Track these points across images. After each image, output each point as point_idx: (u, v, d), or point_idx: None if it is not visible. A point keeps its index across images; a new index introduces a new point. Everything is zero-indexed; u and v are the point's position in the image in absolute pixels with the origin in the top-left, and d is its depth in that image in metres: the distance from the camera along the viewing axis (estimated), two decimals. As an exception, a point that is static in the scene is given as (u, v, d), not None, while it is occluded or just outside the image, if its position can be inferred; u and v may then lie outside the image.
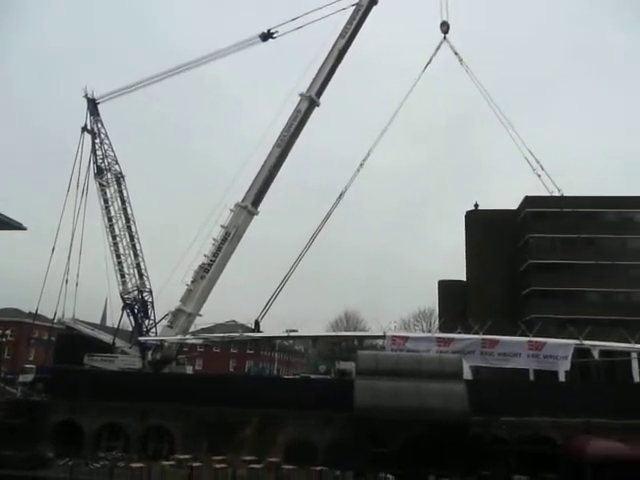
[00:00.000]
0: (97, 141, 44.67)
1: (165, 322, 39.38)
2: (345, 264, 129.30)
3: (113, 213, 43.97)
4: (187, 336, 37.01)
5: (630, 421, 25.03)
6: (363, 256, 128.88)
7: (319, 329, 43.66)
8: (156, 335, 40.46)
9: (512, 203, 65.35)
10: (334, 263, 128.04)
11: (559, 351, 30.48)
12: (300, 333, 38.68)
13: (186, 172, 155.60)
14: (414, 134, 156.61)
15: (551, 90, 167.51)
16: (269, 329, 38.11)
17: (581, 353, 32.54)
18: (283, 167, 39.83)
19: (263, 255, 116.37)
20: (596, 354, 31.02)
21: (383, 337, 33.20)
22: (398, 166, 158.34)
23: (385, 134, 39.35)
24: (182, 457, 25.95)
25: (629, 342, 31.76)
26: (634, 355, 36.59)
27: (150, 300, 42.89)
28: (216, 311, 43.58)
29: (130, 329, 43.61)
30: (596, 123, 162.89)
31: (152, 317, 42.40)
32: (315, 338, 38.11)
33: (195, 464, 25.14)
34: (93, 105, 44.69)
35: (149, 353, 38.79)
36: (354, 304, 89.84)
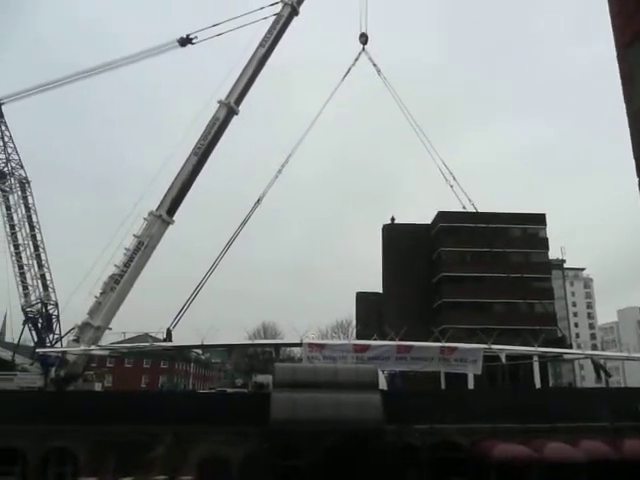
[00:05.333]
0: (0, 144, 41.78)
1: (71, 336, 37.09)
2: (264, 276, 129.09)
3: (16, 221, 41.19)
4: (91, 346, 34.70)
5: (531, 425, 26.50)
6: (282, 268, 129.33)
7: (236, 341, 42.59)
8: (61, 350, 37.99)
9: (428, 218, 68.06)
10: (253, 275, 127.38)
11: (469, 355, 31.72)
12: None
13: (112, 175, 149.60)
14: (333, 147, 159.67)
15: (467, 113, 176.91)
16: (184, 342, 36.78)
17: (488, 359, 34.14)
18: (201, 174, 38.95)
19: (182, 265, 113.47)
20: (503, 358, 32.53)
21: (300, 345, 32.97)
22: (316, 179, 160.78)
23: (304, 145, 39.62)
24: (86, 480, 24.58)
25: (532, 346, 33.50)
26: (535, 358, 38.99)
27: (55, 313, 40.42)
28: (128, 324, 41.62)
29: (32, 345, 40.78)
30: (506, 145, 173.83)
31: (57, 331, 39.95)
32: (231, 347, 37.09)
33: (101, 486, 23.89)
34: None
35: (52, 370, 36.29)
36: (272, 317, 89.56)
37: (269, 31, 39.95)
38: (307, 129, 39.45)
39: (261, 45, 39.70)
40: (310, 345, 32.42)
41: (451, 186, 39.01)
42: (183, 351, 51.60)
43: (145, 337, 36.04)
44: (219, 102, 38.84)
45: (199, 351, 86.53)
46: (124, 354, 45.42)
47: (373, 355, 31.38)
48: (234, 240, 37.41)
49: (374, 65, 40.98)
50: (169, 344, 35.39)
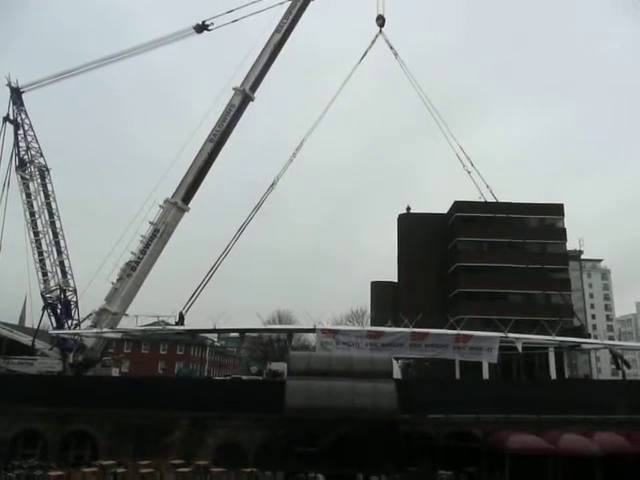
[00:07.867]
0: (20, 132, 42.21)
1: (89, 322, 37.64)
2: (279, 265, 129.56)
3: (36, 208, 41.64)
4: (104, 329, 35.05)
5: (546, 416, 26.39)
6: (296, 257, 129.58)
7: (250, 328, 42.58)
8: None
9: (444, 207, 67.53)
10: (267, 264, 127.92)
11: (485, 343, 31.24)
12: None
13: (127, 163, 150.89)
14: (349, 135, 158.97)
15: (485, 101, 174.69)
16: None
17: (504, 349, 33.66)
18: (216, 162, 38.90)
19: (196, 253, 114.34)
20: (519, 347, 31.86)
21: (313, 330, 32.68)
22: (331, 167, 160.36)
23: (320, 133, 39.10)
24: (105, 463, 24.94)
25: (550, 335, 32.75)
26: (552, 349, 38.31)
27: (74, 299, 40.86)
28: (145, 310, 42.02)
29: (51, 330, 41.41)
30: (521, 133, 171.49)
31: (75, 317, 40.46)
32: (243, 331, 36.96)
33: (119, 470, 24.23)
34: (17, 94, 42.14)
35: (71, 355, 36.89)
36: (287, 306, 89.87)
37: (285, 16, 39.58)
38: (322, 113, 38.83)
39: (277, 31, 39.38)
40: (323, 331, 32.07)
41: (469, 172, 38.14)
42: (195, 335, 51.70)
43: (159, 323, 36.40)
44: (234, 89, 38.68)
45: (214, 338, 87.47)
46: (137, 337, 45.74)
47: (387, 341, 31.08)
48: (248, 223, 37.14)
49: (391, 48, 40.23)
50: (181, 327, 35.51)
